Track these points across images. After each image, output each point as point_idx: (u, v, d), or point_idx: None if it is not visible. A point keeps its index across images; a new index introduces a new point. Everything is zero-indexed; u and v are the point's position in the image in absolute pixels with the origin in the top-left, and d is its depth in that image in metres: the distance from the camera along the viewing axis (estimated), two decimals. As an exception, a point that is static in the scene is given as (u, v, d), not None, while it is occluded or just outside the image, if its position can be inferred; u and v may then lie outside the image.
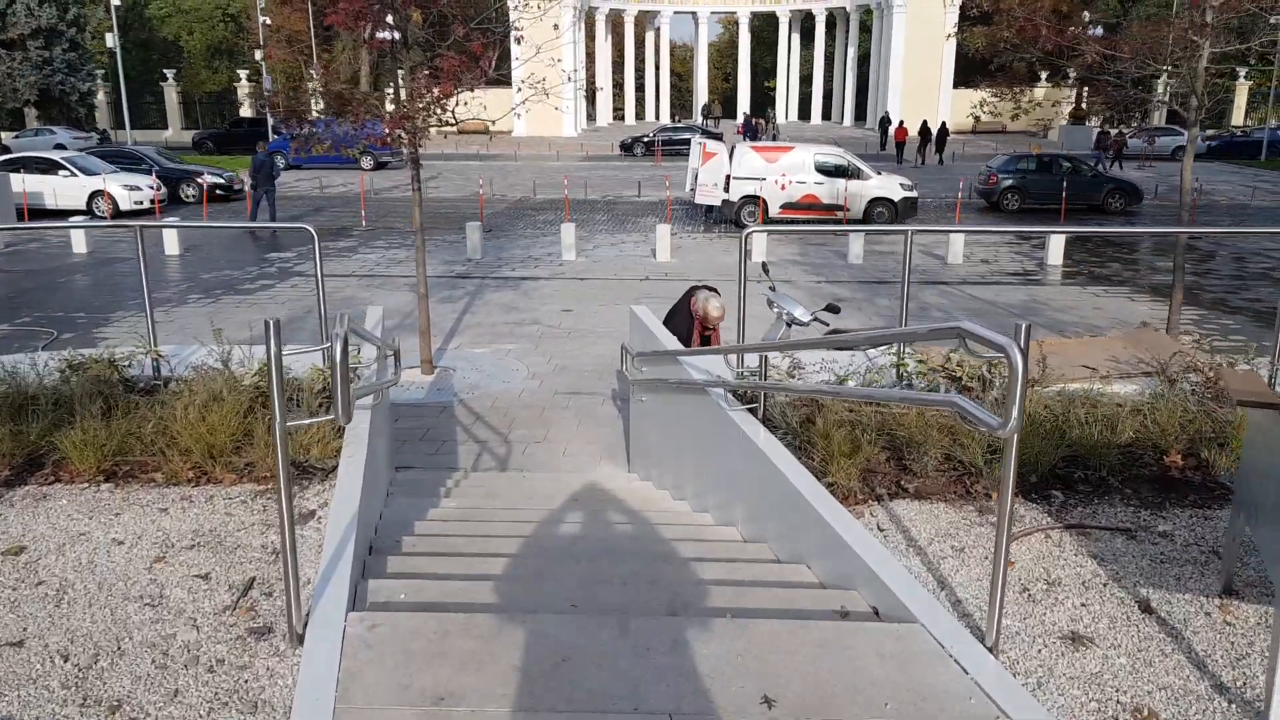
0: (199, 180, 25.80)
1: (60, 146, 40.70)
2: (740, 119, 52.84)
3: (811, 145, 22.65)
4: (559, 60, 9.36)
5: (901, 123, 42.03)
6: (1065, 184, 23.01)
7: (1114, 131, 32.06)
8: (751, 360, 4.91)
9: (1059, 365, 5.19)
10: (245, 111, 52.88)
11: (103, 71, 48.57)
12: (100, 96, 50.36)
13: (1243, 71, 45.46)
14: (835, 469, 4.02)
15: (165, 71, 55.63)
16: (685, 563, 3.74)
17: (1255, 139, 40.09)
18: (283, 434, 2.69)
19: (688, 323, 7.39)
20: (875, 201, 20.85)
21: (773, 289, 8.45)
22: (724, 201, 21.09)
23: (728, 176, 20.96)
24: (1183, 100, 9.88)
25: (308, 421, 4.22)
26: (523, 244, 18.98)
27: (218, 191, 25.69)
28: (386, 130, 8.51)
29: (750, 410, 4.55)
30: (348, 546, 3.14)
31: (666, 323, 7.24)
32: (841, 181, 20.72)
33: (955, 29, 34.88)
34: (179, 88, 56.61)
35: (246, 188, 22.56)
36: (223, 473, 4.25)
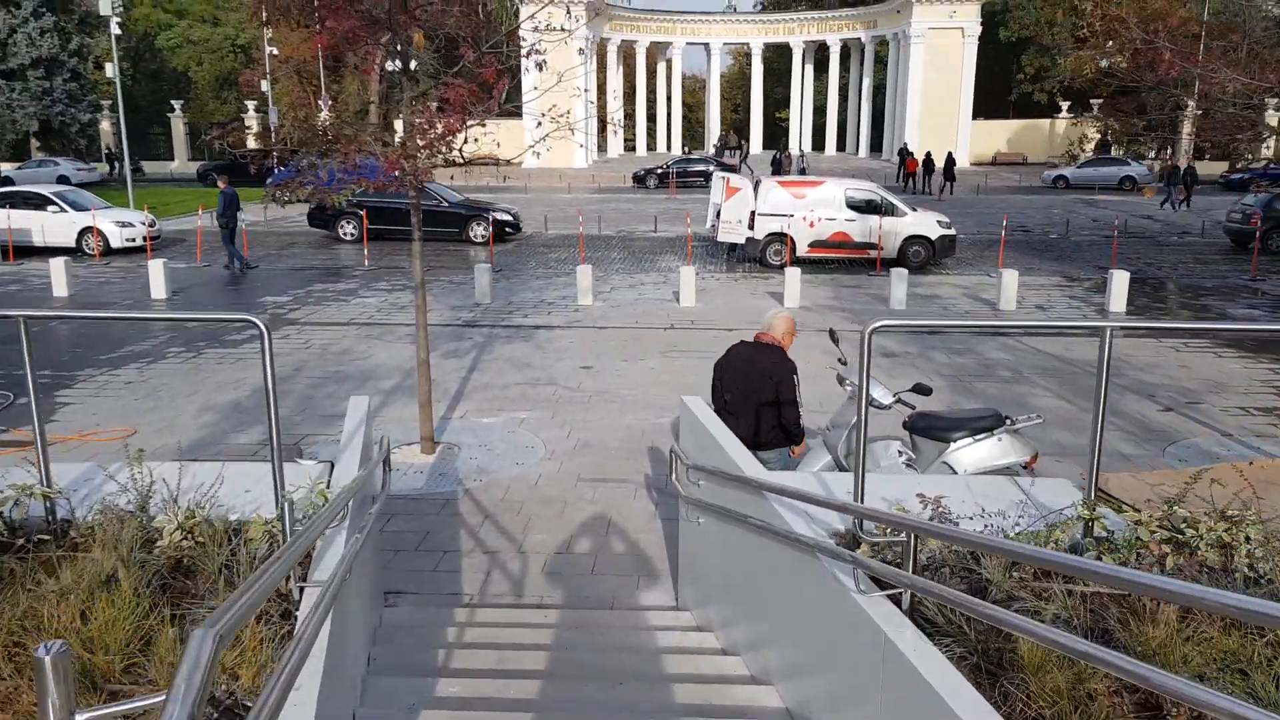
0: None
1: (64, 178, 39.75)
2: (738, 152, 51.29)
3: (843, 180, 21.34)
4: (585, 90, 8.00)
5: (911, 155, 40.94)
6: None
7: (1183, 166, 30.68)
8: (888, 491, 3.47)
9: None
10: (252, 143, 52.01)
11: (109, 102, 47.82)
12: (105, 126, 49.61)
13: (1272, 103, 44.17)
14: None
15: (173, 103, 54.92)
16: None
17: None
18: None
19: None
20: (911, 240, 19.47)
21: (843, 362, 7.03)
22: (748, 239, 19.75)
23: (752, 213, 19.63)
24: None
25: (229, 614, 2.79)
26: (535, 286, 17.63)
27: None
28: (384, 171, 7.16)
29: (889, 594, 3.09)
30: None
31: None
32: (875, 218, 19.36)
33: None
34: (186, 118, 55.82)
35: (218, 226, 20.57)
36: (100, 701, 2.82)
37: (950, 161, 39.42)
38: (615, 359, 12.11)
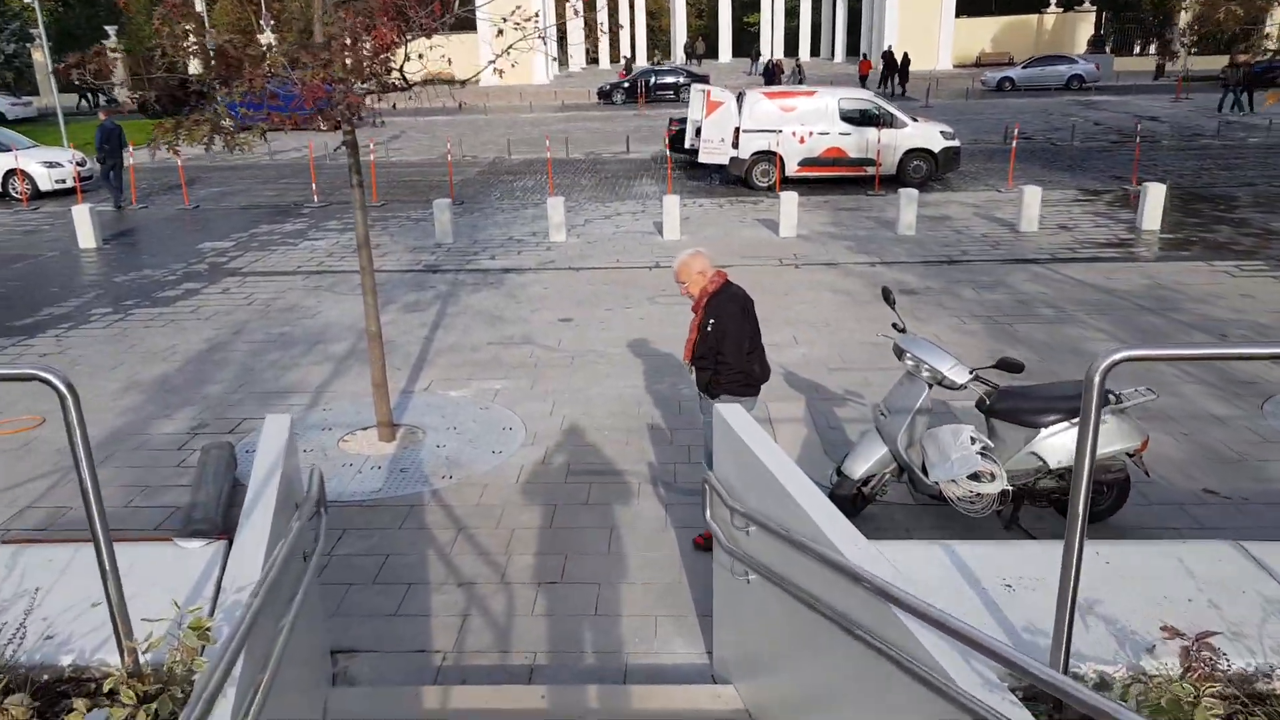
0: None
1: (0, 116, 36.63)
2: (758, 62, 47.96)
3: (835, 88, 19.57)
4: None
5: (866, 55, 38.90)
6: None
7: (1242, 58, 28.39)
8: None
9: None
10: (195, 69, 48.59)
11: (37, 31, 44.12)
12: (37, 58, 45.91)
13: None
14: None
15: (107, 29, 51.05)
16: None
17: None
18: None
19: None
20: (911, 154, 17.88)
21: (901, 329, 5.65)
22: (732, 159, 18.08)
23: (737, 130, 17.91)
24: None
25: None
26: (501, 220, 15.97)
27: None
28: (305, 101, 5.55)
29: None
30: None
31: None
32: (872, 131, 17.72)
33: None
34: (123, 46, 52.06)
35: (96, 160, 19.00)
36: None
37: (905, 62, 37.57)
38: (598, 307, 10.65)
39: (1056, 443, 5.28)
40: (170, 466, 6.85)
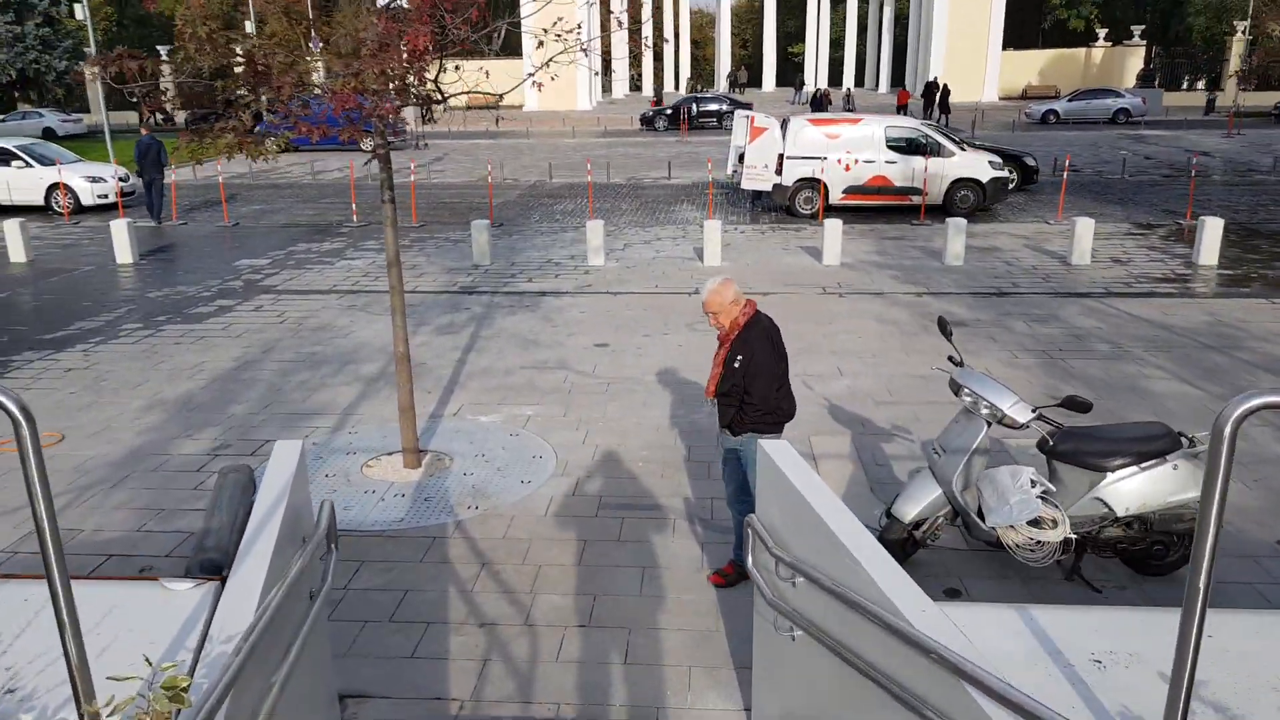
0: None
1: (49, 131, 37.56)
2: (802, 91, 47.78)
3: (882, 116, 19.22)
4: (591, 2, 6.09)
5: (905, 86, 38.68)
6: None
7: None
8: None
9: None
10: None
11: (90, 50, 45.31)
12: (88, 75, 46.94)
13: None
14: None
15: (159, 48, 52.34)
16: None
17: None
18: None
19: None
20: (959, 184, 17.45)
21: (958, 363, 5.28)
22: (775, 186, 17.77)
23: (780, 156, 17.62)
24: None
25: None
26: (539, 243, 15.79)
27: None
28: (334, 110, 5.33)
29: None
30: None
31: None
32: (919, 160, 17.33)
33: None
34: (174, 65, 53.30)
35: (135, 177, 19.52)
36: None
37: (945, 93, 37.27)
38: (635, 334, 10.36)
39: (1124, 488, 4.86)
40: (188, 489, 6.63)
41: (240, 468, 6.48)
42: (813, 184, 17.56)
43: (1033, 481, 5.02)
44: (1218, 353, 9.28)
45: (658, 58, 60.56)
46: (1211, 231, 13.09)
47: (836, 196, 17.56)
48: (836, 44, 58.18)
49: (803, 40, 60.48)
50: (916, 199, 17.41)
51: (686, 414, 7.88)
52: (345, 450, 7.24)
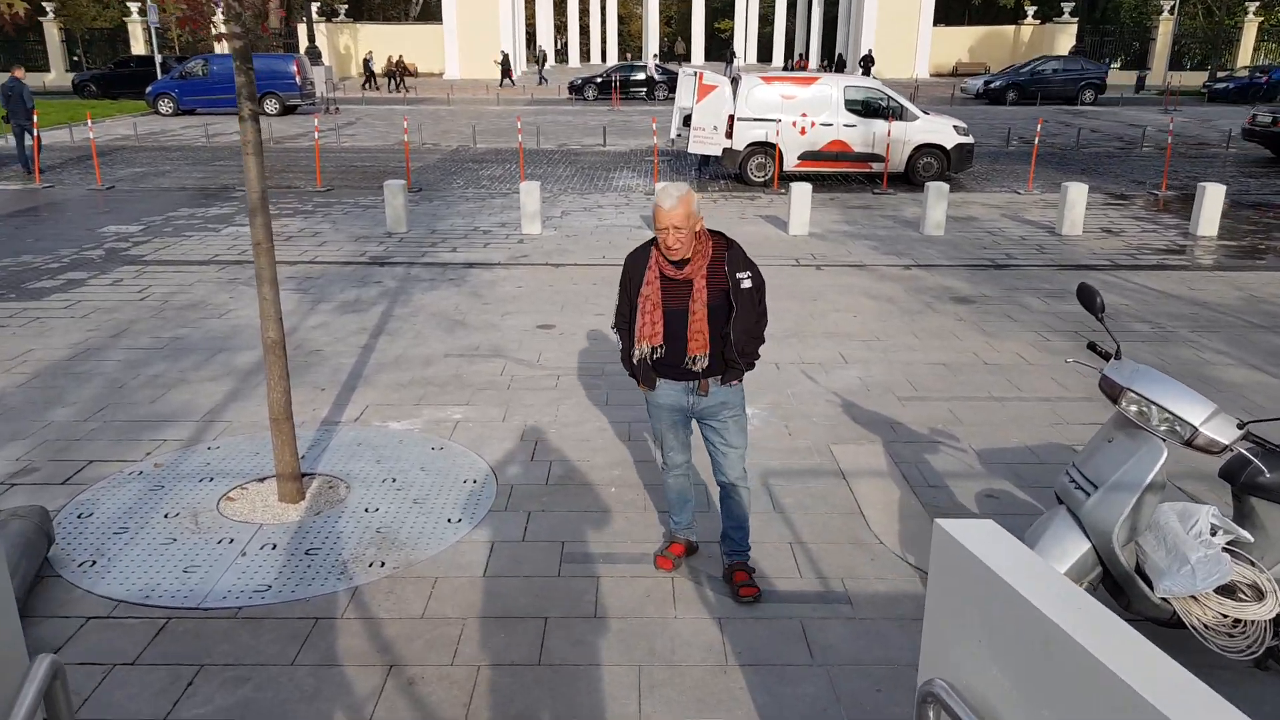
0: None
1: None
2: (732, 66, 46.22)
3: (840, 76, 17.65)
4: None
5: (802, 56, 37.93)
6: None
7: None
8: None
9: None
10: (139, 49, 45.41)
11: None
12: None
13: (1251, 7, 41.65)
14: None
15: (45, 6, 47.69)
16: None
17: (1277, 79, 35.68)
18: None
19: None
20: (921, 149, 16.01)
21: (1110, 355, 3.60)
22: (726, 151, 16.05)
23: (731, 117, 15.90)
24: None
25: None
26: (465, 210, 13.75)
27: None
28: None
29: None
30: None
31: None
32: (880, 123, 15.81)
33: None
34: (61, 24, 48.70)
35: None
36: None
37: (869, 60, 36.56)
38: (585, 313, 8.52)
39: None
40: (-46, 538, 4.55)
41: (28, 510, 4.46)
42: (766, 149, 15.89)
43: (1213, 525, 3.41)
44: (1271, 332, 7.94)
45: (583, 31, 58.20)
46: (1211, 201, 11.87)
47: (792, 163, 15.94)
48: (765, 20, 56.73)
49: (731, 16, 58.86)
50: (877, 166, 15.92)
51: (662, 416, 6.09)
52: (198, 475, 5.23)
